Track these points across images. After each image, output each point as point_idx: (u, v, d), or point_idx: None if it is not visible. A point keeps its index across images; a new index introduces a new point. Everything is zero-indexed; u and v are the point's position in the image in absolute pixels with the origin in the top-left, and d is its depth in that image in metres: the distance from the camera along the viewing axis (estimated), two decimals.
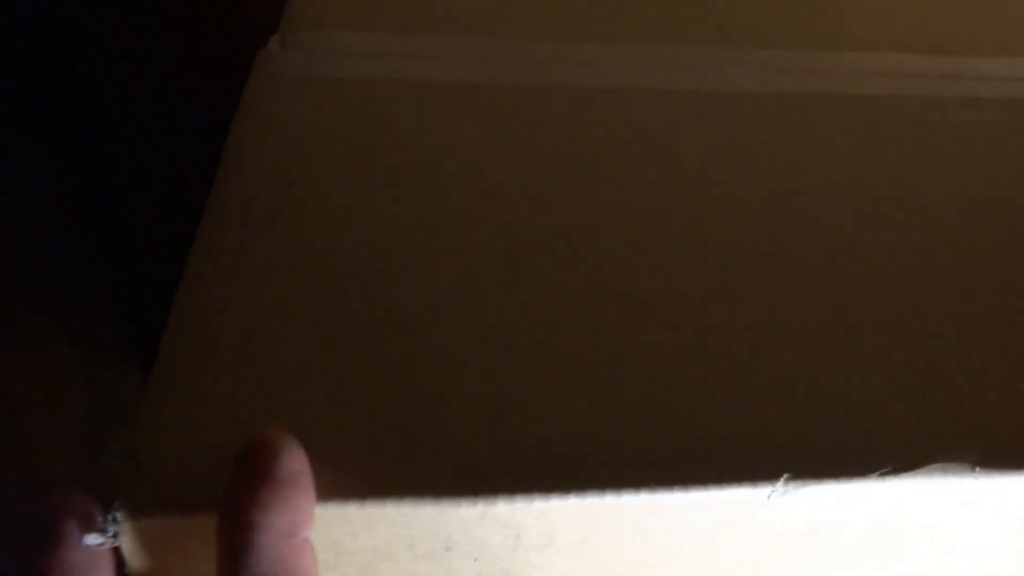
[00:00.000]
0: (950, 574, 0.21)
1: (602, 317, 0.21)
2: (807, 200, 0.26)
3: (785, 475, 0.18)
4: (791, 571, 0.20)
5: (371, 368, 0.20)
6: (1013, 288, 0.24)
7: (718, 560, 0.19)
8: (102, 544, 0.17)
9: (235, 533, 0.16)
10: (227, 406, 0.19)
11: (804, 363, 0.21)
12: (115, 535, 0.17)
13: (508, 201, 0.25)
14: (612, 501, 0.17)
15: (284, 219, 0.24)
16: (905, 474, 0.18)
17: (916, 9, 0.38)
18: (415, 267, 0.23)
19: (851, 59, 0.35)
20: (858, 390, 0.20)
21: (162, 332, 0.21)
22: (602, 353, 0.20)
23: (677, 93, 0.32)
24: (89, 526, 0.17)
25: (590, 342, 0.21)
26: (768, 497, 0.18)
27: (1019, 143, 0.31)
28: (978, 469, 0.18)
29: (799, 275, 0.23)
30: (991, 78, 0.34)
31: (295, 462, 0.17)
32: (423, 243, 0.24)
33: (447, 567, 0.18)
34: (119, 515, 0.17)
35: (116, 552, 0.18)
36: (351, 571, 0.18)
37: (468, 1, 0.37)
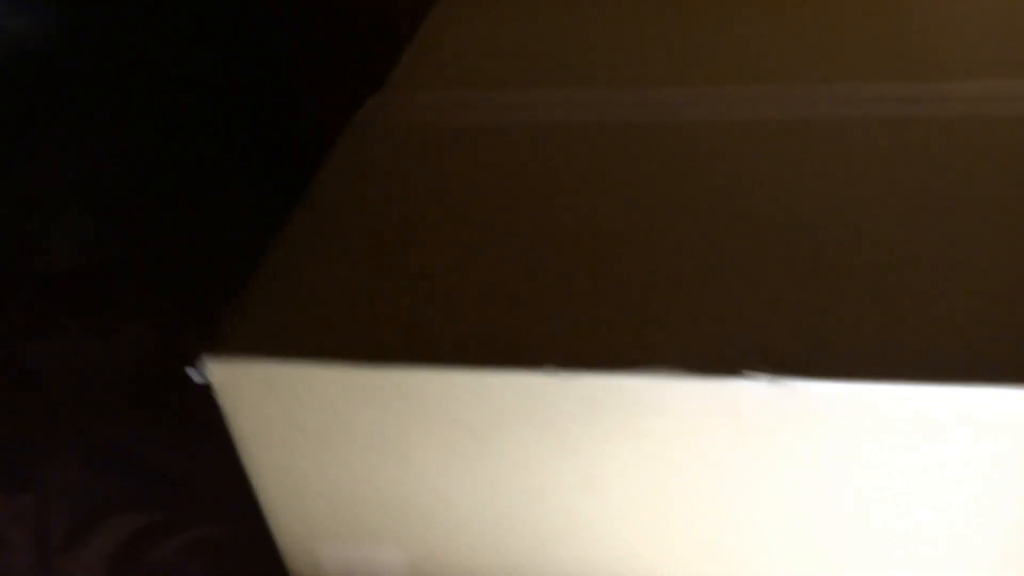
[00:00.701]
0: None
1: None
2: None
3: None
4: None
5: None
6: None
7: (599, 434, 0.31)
8: (199, 379, 0.32)
9: None
10: (297, 303, 0.34)
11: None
12: (205, 374, 0.32)
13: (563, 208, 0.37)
14: (517, 378, 0.30)
15: (373, 206, 0.39)
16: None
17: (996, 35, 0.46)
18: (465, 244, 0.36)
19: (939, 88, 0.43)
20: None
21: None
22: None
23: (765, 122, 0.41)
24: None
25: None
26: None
27: None
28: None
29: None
30: None
31: None
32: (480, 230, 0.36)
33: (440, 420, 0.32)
34: (208, 358, 0.32)
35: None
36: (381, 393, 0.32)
37: (535, 62, 0.50)
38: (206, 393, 0.34)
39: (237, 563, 0.60)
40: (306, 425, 0.33)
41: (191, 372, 0.32)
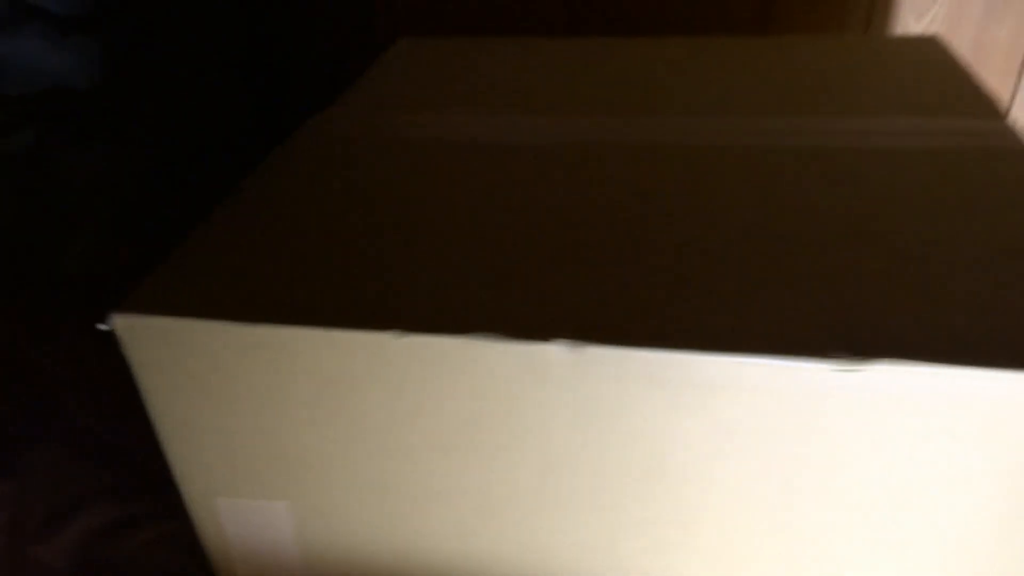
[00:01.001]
0: None
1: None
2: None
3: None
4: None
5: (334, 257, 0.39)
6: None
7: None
8: (105, 329, 0.38)
9: None
10: (200, 273, 0.39)
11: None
12: (110, 326, 0.38)
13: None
14: (364, 337, 0.35)
15: (283, 200, 0.45)
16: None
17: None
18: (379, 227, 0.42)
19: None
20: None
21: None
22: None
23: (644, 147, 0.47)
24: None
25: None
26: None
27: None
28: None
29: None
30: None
31: None
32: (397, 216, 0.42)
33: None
34: (115, 312, 0.37)
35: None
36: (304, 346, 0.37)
37: (471, 93, 0.57)
38: None
39: (206, 557, 0.64)
40: (199, 379, 0.38)
41: (102, 325, 0.38)
